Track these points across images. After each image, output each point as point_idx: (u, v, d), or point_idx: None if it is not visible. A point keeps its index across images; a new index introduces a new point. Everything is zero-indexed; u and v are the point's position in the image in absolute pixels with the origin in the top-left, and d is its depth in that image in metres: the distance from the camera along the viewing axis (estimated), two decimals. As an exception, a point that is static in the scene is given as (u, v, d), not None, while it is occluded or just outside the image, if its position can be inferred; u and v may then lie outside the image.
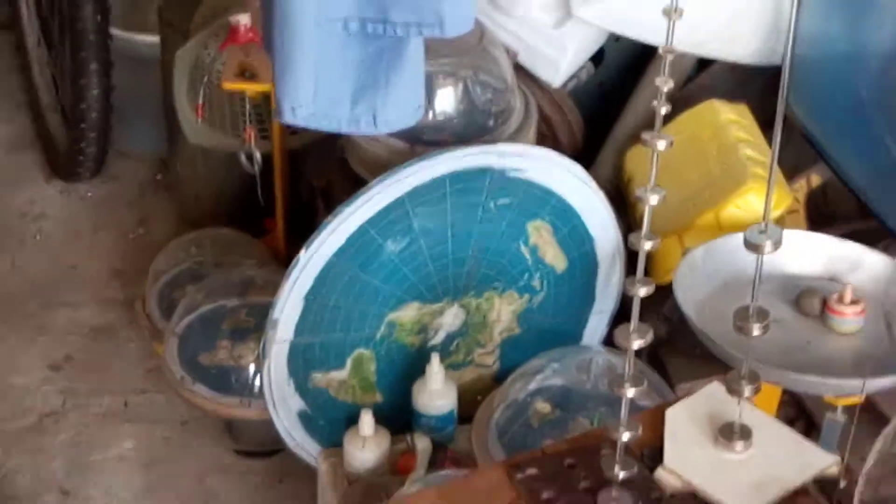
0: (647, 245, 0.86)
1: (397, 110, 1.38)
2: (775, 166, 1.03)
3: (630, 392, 0.94)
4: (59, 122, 2.30)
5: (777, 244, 0.91)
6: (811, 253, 1.45)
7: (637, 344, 0.90)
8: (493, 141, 1.56)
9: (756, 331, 0.94)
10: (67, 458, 1.78)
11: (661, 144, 0.83)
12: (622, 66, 1.92)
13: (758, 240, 0.88)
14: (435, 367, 1.47)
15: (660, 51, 0.82)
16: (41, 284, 2.08)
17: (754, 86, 1.82)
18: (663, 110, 0.84)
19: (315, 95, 1.33)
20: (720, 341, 1.26)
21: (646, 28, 1.68)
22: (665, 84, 0.81)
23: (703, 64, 1.87)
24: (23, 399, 1.86)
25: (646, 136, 0.84)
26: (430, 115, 1.61)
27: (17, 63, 2.53)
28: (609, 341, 1.58)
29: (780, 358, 1.20)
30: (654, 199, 0.86)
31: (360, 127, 1.38)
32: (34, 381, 1.90)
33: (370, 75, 1.36)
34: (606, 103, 1.89)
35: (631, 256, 1.28)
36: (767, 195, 0.95)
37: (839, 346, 1.30)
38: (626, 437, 0.96)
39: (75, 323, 1.99)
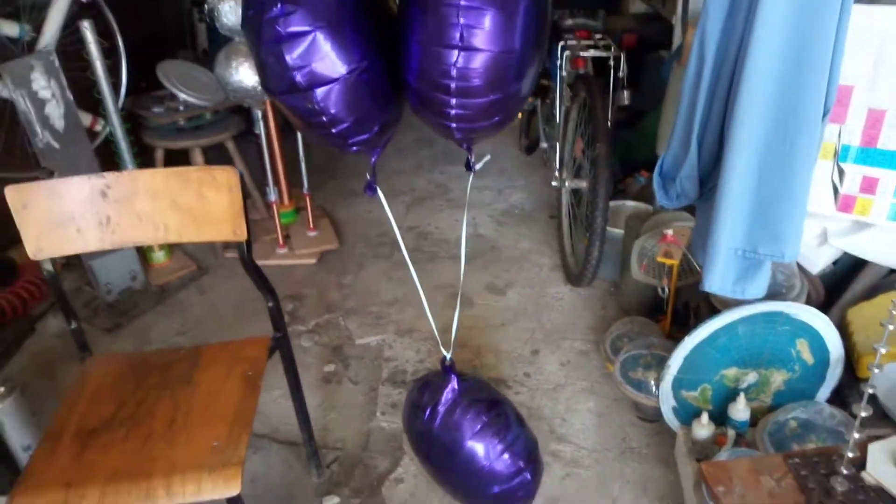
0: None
1: (754, 292, 1.47)
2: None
3: (856, 434, 1.10)
4: (574, 262, 2.46)
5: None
6: None
7: (863, 413, 1.08)
8: (786, 300, 1.64)
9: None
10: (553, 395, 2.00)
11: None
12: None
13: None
14: (741, 400, 1.62)
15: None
16: (560, 330, 2.29)
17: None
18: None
19: (722, 280, 1.41)
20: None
21: (879, 254, 1.67)
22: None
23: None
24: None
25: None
26: None
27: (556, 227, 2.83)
28: (830, 400, 1.66)
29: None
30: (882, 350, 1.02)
31: (738, 296, 1.48)
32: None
33: (744, 273, 1.43)
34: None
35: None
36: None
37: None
38: (849, 453, 1.14)
39: (571, 350, 2.19)
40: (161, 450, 1.27)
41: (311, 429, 1.76)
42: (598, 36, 2.33)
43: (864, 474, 1.17)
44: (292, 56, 1.04)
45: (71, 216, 1.38)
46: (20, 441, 1.67)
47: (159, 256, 2.67)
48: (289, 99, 1.10)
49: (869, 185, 1.39)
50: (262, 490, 1.78)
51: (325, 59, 1.05)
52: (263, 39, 1.06)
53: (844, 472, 1.15)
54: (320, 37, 1.04)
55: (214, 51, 2.87)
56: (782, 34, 1.15)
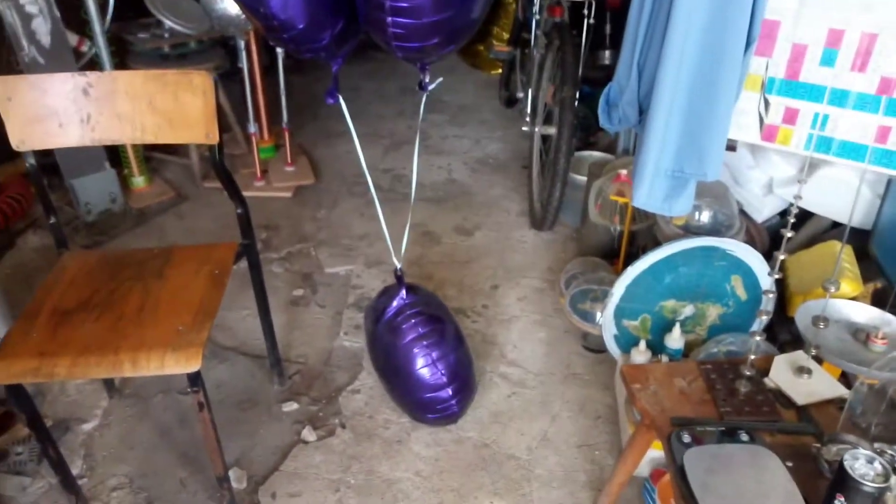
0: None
1: (680, 209, 1.52)
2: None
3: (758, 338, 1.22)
4: (540, 207, 2.49)
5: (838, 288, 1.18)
6: (867, 313, 1.42)
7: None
8: (724, 237, 1.70)
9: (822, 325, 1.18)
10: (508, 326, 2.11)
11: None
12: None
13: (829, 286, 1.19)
14: (676, 330, 1.69)
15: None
16: (520, 269, 2.39)
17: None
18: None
19: (648, 197, 1.49)
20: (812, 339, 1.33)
21: (811, 204, 1.79)
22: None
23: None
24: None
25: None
26: (696, 218, 1.81)
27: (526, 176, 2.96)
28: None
29: (840, 355, 1.22)
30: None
31: (665, 212, 1.54)
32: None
33: (671, 192, 1.49)
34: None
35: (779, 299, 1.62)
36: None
37: (872, 358, 1.26)
38: (752, 357, 1.25)
39: (528, 287, 2.30)
40: (130, 330, 1.39)
41: (276, 341, 1.89)
42: (573, -15, 2.42)
43: (766, 380, 1.30)
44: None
45: (54, 111, 1.48)
46: (-4, 333, 1.77)
47: (139, 181, 2.77)
48: (248, 2, 1.20)
49: (790, 116, 1.49)
50: (225, 395, 1.92)
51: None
52: None
53: (748, 373, 1.27)
54: None
55: (201, -18, 2.94)
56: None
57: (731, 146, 1.71)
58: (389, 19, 1.15)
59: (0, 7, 2.14)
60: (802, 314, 1.35)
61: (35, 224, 2.56)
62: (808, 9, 1.36)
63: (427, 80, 1.37)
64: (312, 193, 2.86)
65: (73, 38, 2.49)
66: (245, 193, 2.63)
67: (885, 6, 1.33)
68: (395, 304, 1.59)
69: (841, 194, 1.71)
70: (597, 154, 2.57)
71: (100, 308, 1.45)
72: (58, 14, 2.28)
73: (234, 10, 2.33)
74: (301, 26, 1.21)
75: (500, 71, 3.70)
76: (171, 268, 1.56)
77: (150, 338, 1.36)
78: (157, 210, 2.70)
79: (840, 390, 1.25)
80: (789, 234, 1.12)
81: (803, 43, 1.39)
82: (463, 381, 1.66)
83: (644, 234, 2.09)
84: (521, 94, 2.96)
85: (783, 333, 1.80)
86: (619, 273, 1.92)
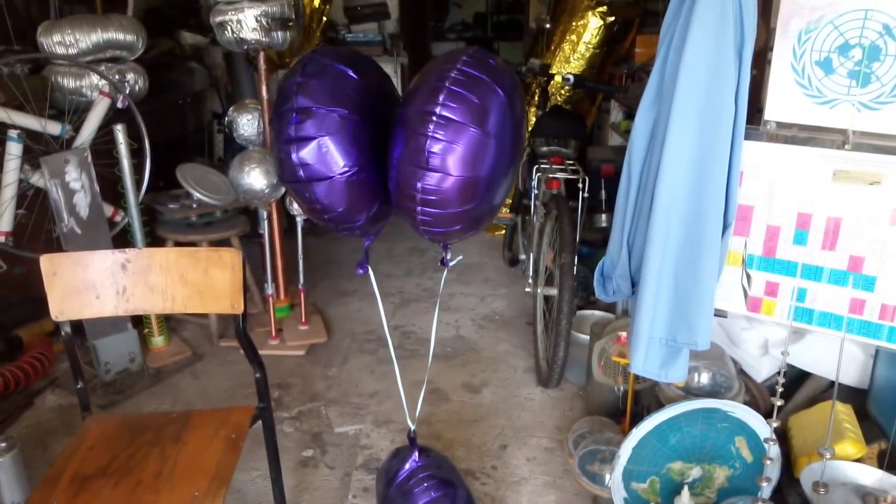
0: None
1: (676, 376, 1.61)
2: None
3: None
4: (546, 365, 2.56)
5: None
6: (873, 476, 1.58)
7: None
8: (724, 398, 1.75)
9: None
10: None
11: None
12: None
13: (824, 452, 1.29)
14: (685, 494, 1.71)
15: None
16: (528, 428, 2.40)
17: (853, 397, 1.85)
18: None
19: (644, 364, 1.59)
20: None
21: (806, 364, 1.88)
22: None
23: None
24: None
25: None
26: (696, 380, 1.91)
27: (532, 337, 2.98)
28: (771, 499, 1.66)
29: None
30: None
31: (662, 379, 1.62)
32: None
33: (667, 359, 1.58)
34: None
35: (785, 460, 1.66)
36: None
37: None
38: None
39: (537, 447, 2.28)
40: (147, 497, 1.44)
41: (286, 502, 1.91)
42: (569, 161, 2.68)
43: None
44: (298, 155, 1.32)
45: (92, 284, 1.63)
46: (11, 497, 1.82)
47: (158, 341, 2.89)
48: (294, 187, 1.37)
49: (772, 289, 1.61)
50: (233, 563, 1.90)
51: (322, 160, 1.31)
52: (280, 138, 1.33)
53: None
54: (322, 143, 1.31)
55: (229, 158, 3.24)
56: (686, 165, 1.43)
57: (721, 315, 1.81)
58: (419, 209, 1.29)
59: (48, 185, 2.37)
60: (806, 478, 1.42)
61: (55, 383, 2.64)
62: (776, 196, 1.54)
63: (449, 257, 1.52)
64: (324, 351, 2.96)
65: (108, 209, 2.72)
66: (260, 352, 2.74)
67: (844, 194, 1.48)
68: (407, 466, 1.63)
69: (832, 355, 1.74)
70: (598, 313, 2.67)
71: (119, 474, 1.50)
72: (97, 189, 2.52)
73: (258, 184, 2.57)
74: (341, 210, 1.35)
75: (503, 232, 3.92)
76: (189, 432, 1.63)
77: (166, 505, 1.40)
78: (173, 369, 2.79)
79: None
80: (779, 403, 1.20)
81: (776, 224, 1.55)
82: (475, 548, 1.65)
83: (648, 392, 2.17)
84: (523, 256, 3.14)
85: (792, 496, 1.80)
86: (625, 433, 1.95)
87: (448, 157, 1.25)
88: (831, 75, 1.50)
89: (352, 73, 1.32)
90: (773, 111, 1.57)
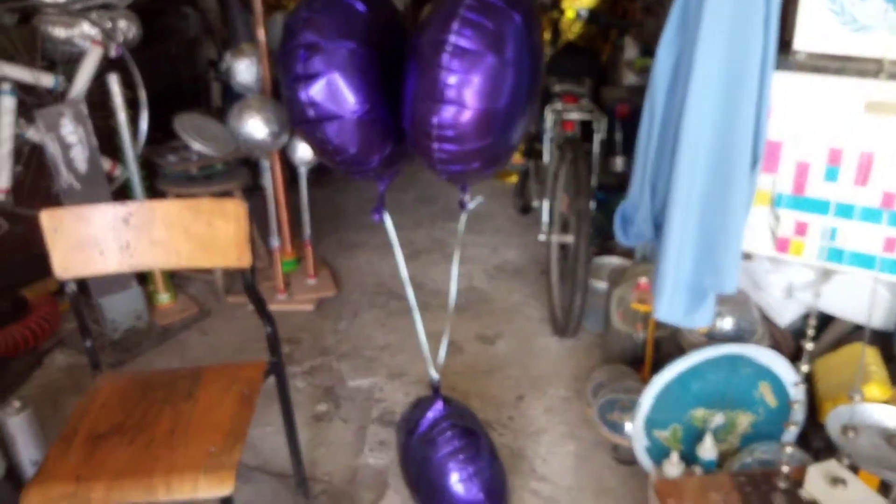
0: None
1: (701, 321, 1.60)
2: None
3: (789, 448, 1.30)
4: (561, 314, 2.54)
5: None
6: None
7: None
8: (748, 343, 1.77)
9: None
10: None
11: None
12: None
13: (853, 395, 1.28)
14: (709, 440, 1.74)
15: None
16: (545, 378, 2.42)
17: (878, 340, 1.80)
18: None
19: (669, 310, 1.57)
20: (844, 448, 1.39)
21: (832, 307, 1.83)
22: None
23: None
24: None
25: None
26: (719, 326, 1.88)
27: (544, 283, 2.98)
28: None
29: (875, 463, 1.29)
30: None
31: (687, 325, 1.63)
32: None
33: (692, 305, 1.58)
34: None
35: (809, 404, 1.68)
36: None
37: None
38: (786, 469, 1.33)
39: (554, 397, 2.33)
40: (162, 453, 1.45)
41: (301, 459, 1.92)
42: (583, 101, 2.60)
43: (801, 492, 1.32)
44: (307, 93, 1.28)
45: (95, 240, 1.61)
46: (29, 455, 1.84)
47: (164, 298, 2.88)
48: (304, 129, 1.33)
49: (801, 229, 1.57)
50: (250, 517, 1.92)
51: (332, 98, 1.27)
52: (287, 77, 1.29)
53: (782, 486, 1.30)
54: (331, 79, 1.27)
55: (227, 108, 3.17)
56: (713, 99, 1.38)
57: (747, 256, 1.77)
58: (436, 145, 1.27)
59: (44, 139, 2.33)
60: (832, 421, 1.39)
61: (62, 343, 2.65)
62: (806, 130, 1.48)
63: (468, 198, 1.48)
64: (333, 305, 2.95)
65: (106, 164, 2.67)
66: (268, 307, 2.75)
67: (877, 128, 1.43)
68: (429, 415, 1.63)
69: (860, 297, 1.73)
70: (615, 260, 2.64)
71: (132, 431, 1.50)
72: (95, 142, 2.47)
73: (259, 133, 2.52)
74: (353, 151, 1.34)
75: (514, 179, 3.86)
76: (201, 388, 1.63)
77: (182, 461, 1.41)
78: (180, 326, 2.79)
79: (878, 501, 1.26)
80: (809, 346, 1.17)
81: (806, 161, 1.50)
82: (497, 497, 1.66)
83: (668, 340, 2.15)
84: (536, 203, 3.08)
85: (816, 440, 1.80)
86: (645, 381, 1.97)
87: (464, 88, 1.21)
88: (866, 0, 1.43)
89: (360, 6, 1.26)
90: (804, 40, 1.50)
